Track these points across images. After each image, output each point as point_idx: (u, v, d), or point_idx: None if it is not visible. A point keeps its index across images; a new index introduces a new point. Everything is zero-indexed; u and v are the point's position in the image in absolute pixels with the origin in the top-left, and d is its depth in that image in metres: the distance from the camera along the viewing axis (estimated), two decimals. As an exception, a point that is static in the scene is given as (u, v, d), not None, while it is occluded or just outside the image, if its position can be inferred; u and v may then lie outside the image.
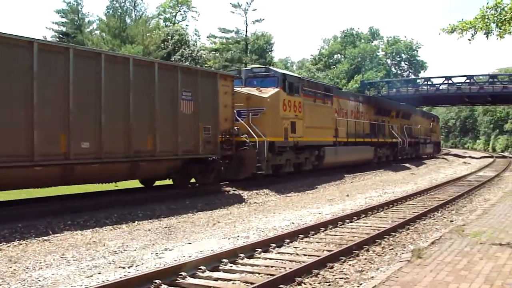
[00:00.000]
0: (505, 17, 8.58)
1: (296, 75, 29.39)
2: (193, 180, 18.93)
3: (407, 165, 38.52)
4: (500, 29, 8.79)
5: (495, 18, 8.68)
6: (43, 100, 12.54)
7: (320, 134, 25.96)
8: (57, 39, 53.39)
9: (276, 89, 21.93)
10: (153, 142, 15.66)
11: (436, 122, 60.39)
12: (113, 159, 14.51)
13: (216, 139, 18.39)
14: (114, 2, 56.91)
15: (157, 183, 19.42)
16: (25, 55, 12.22)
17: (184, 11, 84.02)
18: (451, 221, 13.08)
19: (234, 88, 20.14)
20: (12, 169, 12.15)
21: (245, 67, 64.36)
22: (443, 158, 53.26)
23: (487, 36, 8.84)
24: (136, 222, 13.21)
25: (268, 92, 21.79)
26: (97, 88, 13.96)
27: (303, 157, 24.80)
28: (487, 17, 8.72)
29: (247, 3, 74.22)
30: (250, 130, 20.33)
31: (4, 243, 10.48)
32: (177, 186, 18.37)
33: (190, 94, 17.14)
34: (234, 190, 19.33)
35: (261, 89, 21.96)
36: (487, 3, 8.83)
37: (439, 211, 14.92)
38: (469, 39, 9.04)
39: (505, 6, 8.72)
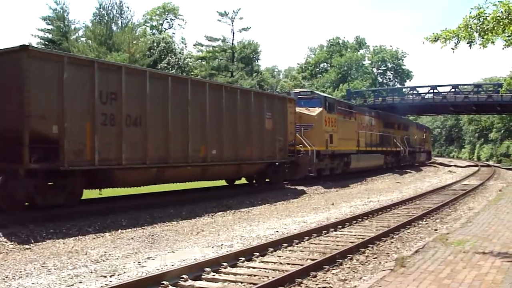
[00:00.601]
0: (488, 27, 8.62)
1: (333, 97, 39.10)
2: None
3: (408, 170, 43.11)
4: (483, 38, 8.83)
5: (478, 27, 8.73)
6: (193, 122, 17.90)
7: (348, 144, 32.42)
8: (43, 46, 53.05)
9: (320, 109, 28.20)
10: (250, 151, 21.25)
11: (427, 133, 66.19)
12: (228, 162, 20.12)
13: (286, 148, 24.05)
14: (101, 10, 56.75)
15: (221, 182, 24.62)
16: (184, 89, 17.72)
17: (171, 19, 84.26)
18: (435, 230, 13.09)
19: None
20: (179, 168, 17.63)
21: (232, 76, 64.40)
22: (429, 165, 53.53)
23: (470, 45, 8.87)
24: (120, 230, 13.11)
25: (315, 111, 28.03)
26: (220, 113, 19.44)
27: (335, 163, 30.86)
28: (470, 26, 8.75)
29: (233, 11, 74.49)
30: (304, 141, 26.08)
31: (-16, 252, 10.35)
32: (257, 183, 24.69)
33: (270, 114, 22.81)
34: (294, 186, 25.20)
35: (309, 108, 28.03)
36: (470, 13, 8.87)
37: (424, 220, 14.95)
38: (452, 48, 9.08)
39: (488, 16, 8.77)
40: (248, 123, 21.08)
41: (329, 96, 35.80)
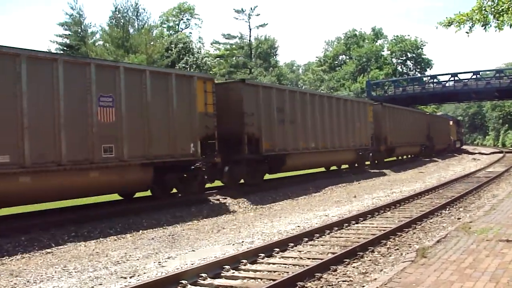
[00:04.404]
0: (502, 8, 8.39)
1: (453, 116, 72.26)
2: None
3: (432, 159, 45.16)
4: (498, 20, 8.61)
5: (492, 9, 8.51)
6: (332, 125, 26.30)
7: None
8: (61, 51, 53.46)
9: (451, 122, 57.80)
10: (340, 141, 27.17)
11: (461, 125, 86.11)
12: (325, 150, 25.66)
13: (369, 139, 31.20)
14: (117, 12, 56.91)
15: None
16: (340, 105, 27.44)
17: (187, 18, 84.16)
18: (459, 219, 12.88)
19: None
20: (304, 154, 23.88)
21: (250, 72, 64.29)
22: (453, 154, 52.98)
23: (485, 28, 8.66)
24: (140, 231, 13.12)
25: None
26: (324, 115, 25.62)
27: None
28: (484, 8, 8.54)
29: (250, 8, 74.45)
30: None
31: (7, 257, 10.44)
32: (350, 168, 30.93)
33: (357, 115, 29.72)
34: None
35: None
36: (484, -6, 8.66)
37: (447, 209, 14.75)
38: (467, 32, 8.89)
39: (502, -4, 8.54)
40: (347, 123, 28.07)
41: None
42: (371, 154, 33.31)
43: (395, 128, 36.29)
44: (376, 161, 34.74)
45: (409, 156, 43.68)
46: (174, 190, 17.71)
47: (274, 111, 21.26)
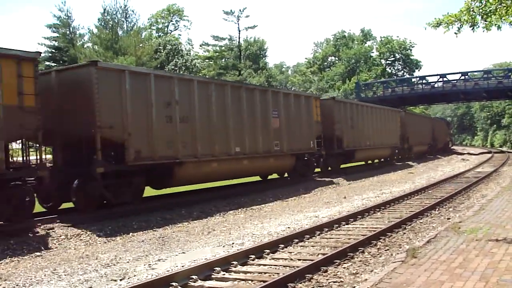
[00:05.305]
0: (490, 9, 8.44)
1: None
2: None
3: (421, 160, 43.03)
4: (486, 21, 8.66)
5: (480, 10, 8.55)
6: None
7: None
8: (50, 54, 53.28)
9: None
10: (383, 139, 36.31)
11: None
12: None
13: (398, 139, 40.80)
14: (105, 14, 56.77)
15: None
16: (376, 113, 36.85)
17: (176, 20, 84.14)
18: (448, 219, 12.93)
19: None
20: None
21: (240, 74, 64.20)
22: (441, 155, 53.22)
23: (472, 29, 8.70)
24: (130, 233, 13.06)
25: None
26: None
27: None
28: (472, 9, 8.58)
29: (239, 10, 74.37)
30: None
31: (-4, 261, 10.35)
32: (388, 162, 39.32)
33: (392, 119, 39.47)
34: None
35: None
36: (472, -5, 8.70)
37: (436, 209, 14.80)
38: (455, 33, 8.91)
39: (489, -3, 8.59)
40: (390, 126, 38.85)
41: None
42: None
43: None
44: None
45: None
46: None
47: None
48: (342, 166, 30.47)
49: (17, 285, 8.44)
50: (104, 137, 14.23)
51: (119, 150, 15.01)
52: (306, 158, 25.45)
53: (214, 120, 18.43)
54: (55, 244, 11.85)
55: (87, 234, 12.71)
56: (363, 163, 35.63)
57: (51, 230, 12.68)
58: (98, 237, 12.56)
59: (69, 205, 15.53)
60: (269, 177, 25.60)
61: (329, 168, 29.26)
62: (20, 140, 13.50)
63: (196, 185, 20.28)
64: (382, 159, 39.32)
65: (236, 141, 19.53)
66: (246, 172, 21.80)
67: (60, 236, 12.40)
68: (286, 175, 25.58)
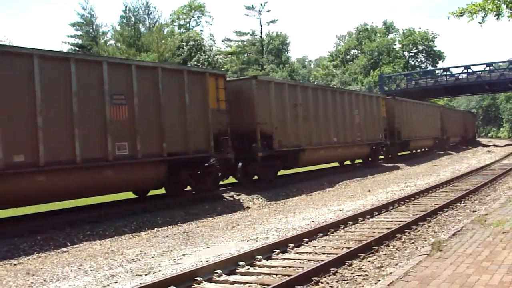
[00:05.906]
0: (515, -3, 8.30)
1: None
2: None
3: (446, 152, 45.13)
4: (511, 10, 8.50)
5: (505, -2, 8.40)
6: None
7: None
8: (73, 52, 53.70)
9: None
10: (428, 131, 41.10)
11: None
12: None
13: (439, 131, 44.75)
14: (128, 11, 57.14)
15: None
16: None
17: (198, 16, 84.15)
18: (474, 211, 12.79)
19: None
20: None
21: (262, 69, 64.18)
22: (467, 147, 52.70)
23: (497, 18, 8.54)
24: (155, 229, 13.14)
25: None
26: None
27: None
28: (496, -2, 8.43)
29: (260, 4, 74.30)
30: None
31: (24, 256, 10.49)
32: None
33: (434, 114, 43.06)
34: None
35: None
36: (497, -16, 8.53)
37: (462, 202, 14.64)
38: (479, 22, 8.79)
39: (515, -15, 8.43)
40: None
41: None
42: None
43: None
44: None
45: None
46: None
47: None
48: (399, 154, 36.36)
49: (44, 280, 8.54)
50: (261, 131, 19.43)
51: (268, 140, 19.92)
52: (374, 148, 30.37)
53: (321, 118, 23.72)
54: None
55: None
56: (412, 152, 40.97)
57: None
58: (123, 233, 12.66)
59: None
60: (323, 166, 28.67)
61: (389, 156, 34.35)
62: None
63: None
64: (427, 148, 44.47)
65: (334, 133, 24.84)
66: (340, 157, 28.25)
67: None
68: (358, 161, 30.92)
